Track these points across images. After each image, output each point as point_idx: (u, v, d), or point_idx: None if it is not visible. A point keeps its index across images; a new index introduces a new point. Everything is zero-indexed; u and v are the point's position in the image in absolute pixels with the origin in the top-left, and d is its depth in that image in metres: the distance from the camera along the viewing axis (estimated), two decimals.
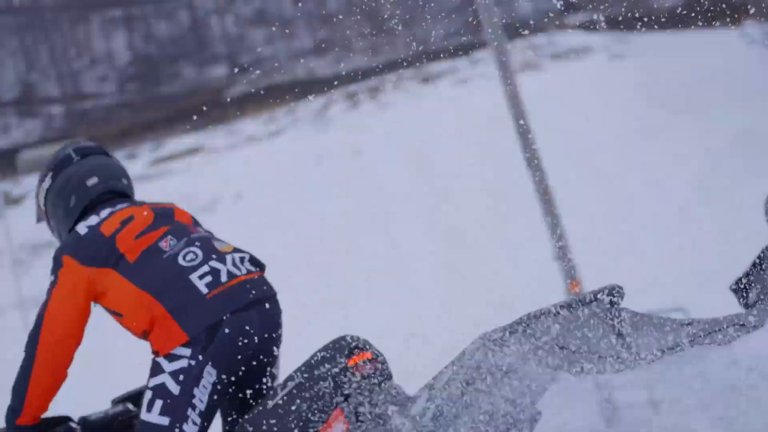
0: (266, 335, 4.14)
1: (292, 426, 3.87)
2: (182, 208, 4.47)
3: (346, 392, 3.90)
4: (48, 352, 4.07)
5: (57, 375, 4.13)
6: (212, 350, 3.96)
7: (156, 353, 4.05)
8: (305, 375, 3.95)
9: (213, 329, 3.98)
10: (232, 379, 4.05)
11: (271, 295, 4.24)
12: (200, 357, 3.96)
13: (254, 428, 3.94)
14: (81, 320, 4.16)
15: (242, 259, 4.23)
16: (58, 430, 4.31)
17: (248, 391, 4.17)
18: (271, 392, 4.04)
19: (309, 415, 3.89)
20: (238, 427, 4.02)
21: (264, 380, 4.24)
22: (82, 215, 4.33)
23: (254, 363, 4.14)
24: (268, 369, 4.26)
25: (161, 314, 4.02)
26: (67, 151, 4.50)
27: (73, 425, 4.40)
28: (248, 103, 28.46)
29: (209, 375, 3.97)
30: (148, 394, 4.03)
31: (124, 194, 4.48)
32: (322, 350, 4.01)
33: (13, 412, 4.12)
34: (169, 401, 3.98)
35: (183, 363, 3.96)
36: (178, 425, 3.96)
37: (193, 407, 3.97)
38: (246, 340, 4.04)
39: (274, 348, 4.22)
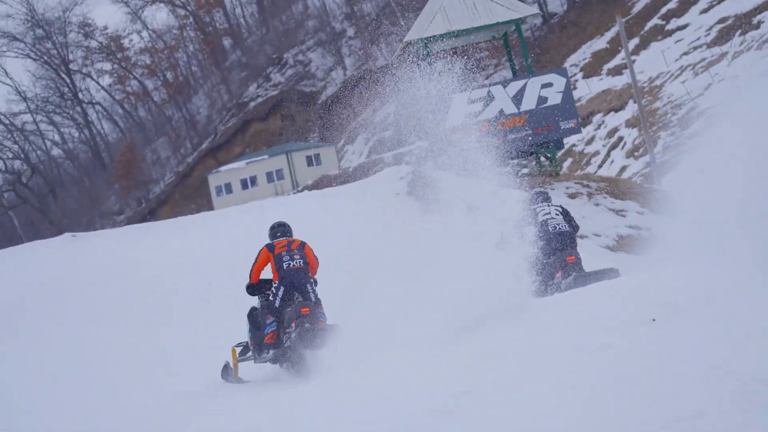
0: (300, 283, 15.03)
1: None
2: (297, 239, 15.54)
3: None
4: (252, 276, 15.41)
5: (255, 279, 15.43)
6: (283, 283, 14.99)
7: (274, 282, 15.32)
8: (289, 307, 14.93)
9: (284, 278, 14.99)
10: (289, 293, 14.98)
11: (304, 272, 15.13)
12: (280, 285, 15.01)
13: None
14: (261, 269, 15.35)
15: (299, 261, 15.14)
16: (263, 282, 15.62)
17: (299, 299, 15.06)
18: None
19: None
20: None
21: (303, 295, 15.14)
22: (273, 238, 15.64)
23: (297, 290, 15.03)
24: (305, 292, 15.13)
25: (276, 273, 15.07)
26: (275, 223, 16.15)
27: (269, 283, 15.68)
28: None
29: (282, 289, 15.01)
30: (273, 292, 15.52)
31: (287, 235, 15.66)
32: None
33: (247, 282, 15.68)
34: (269, 300, 15.32)
35: (276, 285, 15.05)
36: (272, 301, 15.16)
37: (276, 298, 15.10)
38: (293, 283, 14.99)
39: (306, 286, 15.12)
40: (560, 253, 17.12)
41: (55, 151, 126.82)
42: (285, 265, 15.00)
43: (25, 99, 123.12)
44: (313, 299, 15.04)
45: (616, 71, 71.43)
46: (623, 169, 54.33)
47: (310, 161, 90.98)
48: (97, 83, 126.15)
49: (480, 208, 24.18)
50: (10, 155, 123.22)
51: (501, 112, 28.08)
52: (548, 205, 17.89)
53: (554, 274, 16.97)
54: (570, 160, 61.12)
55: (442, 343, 11.66)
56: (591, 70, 75.56)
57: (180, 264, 21.82)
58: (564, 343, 9.65)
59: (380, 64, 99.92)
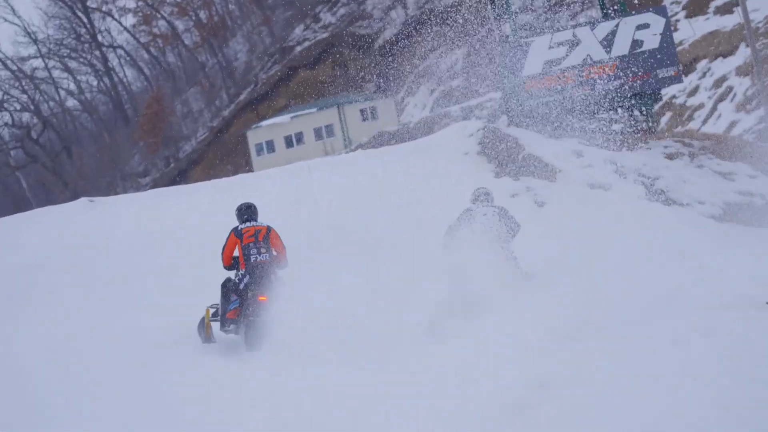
0: (264, 274, 18.81)
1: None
2: (263, 226, 19.36)
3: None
4: (225, 259, 19.27)
5: (227, 261, 19.29)
6: (248, 273, 18.84)
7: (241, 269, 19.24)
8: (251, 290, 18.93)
9: (250, 270, 18.86)
10: (253, 282, 18.79)
11: (268, 265, 18.97)
12: (246, 273, 18.88)
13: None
14: (232, 252, 19.21)
15: (265, 255, 19.02)
16: (236, 261, 19.29)
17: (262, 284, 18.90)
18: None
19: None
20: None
21: (266, 284, 18.85)
22: (241, 221, 19.54)
23: (260, 280, 18.79)
24: (267, 282, 18.79)
25: (243, 262, 19.01)
26: (242, 205, 19.81)
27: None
28: None
29: (247, 277, 18.85)
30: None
31: (253, 218, 19.56)
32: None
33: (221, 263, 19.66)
34: (235, 283, 19.19)
35: (242, 273, 18.99)
36: (238, 283, 19.09)
37: (241, 282, 18.94)
38: (259, 275, 18.81)
39: (270, 276, 18.82)
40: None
41: (71, 102, 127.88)
42: (252, 259, 19.09)
43: (35, 41, 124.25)
44: (274, 288, 18.93)
45: (725, 9, 70.68)
46: (732, 124, 53.81)
47: (364, 115, 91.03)
48: (119, 24, 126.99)
49: (562, 170, 24.02)
50: (18, 107, 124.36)
51: (588, 58, 27.86)
52: (483, 210, 19.13)
53: None
54: (669, 114, 60.65)
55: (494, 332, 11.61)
56: (695, 8, 74.84)
57: (214, 234, 21.97)
58: (654, 329, 9.56)
59: (447, 2, 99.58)
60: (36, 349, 17.62)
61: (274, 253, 19.39)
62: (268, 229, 19.45)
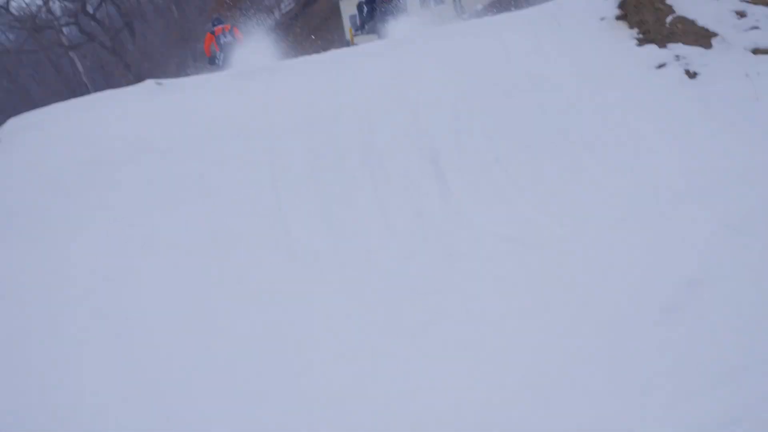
0: (230, 49, 36.63)
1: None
2: (228, 24, 37.46)
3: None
4: (206, 51, 37.30)
5: (208, 53, 37.37)
6: (222, 50, 37.81)
7: None
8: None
9: (222, 48, 37.48)
10: (225, 54, 37.06)
11: (231, 44, 36.93)
12: (221, 51, 37.58)
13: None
14: (209, 45, 36.78)
15: (230, 39, 36.58)
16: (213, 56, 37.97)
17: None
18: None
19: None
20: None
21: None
22: (214, 25, 37.74)
23: (229, 53, 36.93)
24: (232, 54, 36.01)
25: (217, 46, 36.91)
26: (212, 17, 42.99)
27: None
28: None
29: (221, 54, 37.94)
30: None
31: (220, 21, 37.43)
32: None
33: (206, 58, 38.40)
34: (215, 63, 37.58)
35: (218, 53, 37.75)
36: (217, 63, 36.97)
37: (218, 59, 37.13)
38: (226, 49, 37.08)
39: (234, 50, 36.64)
40: None
41: None
42: (222, 41, 35.58)
43: None
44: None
45: None
46: None
47: None
48: None
49: (719, 33, 23.80)
50: None
51: None
52: None
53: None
54: None
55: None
56: None
57: (301, 121, 22.09)
58: None
59: None
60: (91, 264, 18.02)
61: (237, 37, 36.02)
62: (232, 25, 36.49)
